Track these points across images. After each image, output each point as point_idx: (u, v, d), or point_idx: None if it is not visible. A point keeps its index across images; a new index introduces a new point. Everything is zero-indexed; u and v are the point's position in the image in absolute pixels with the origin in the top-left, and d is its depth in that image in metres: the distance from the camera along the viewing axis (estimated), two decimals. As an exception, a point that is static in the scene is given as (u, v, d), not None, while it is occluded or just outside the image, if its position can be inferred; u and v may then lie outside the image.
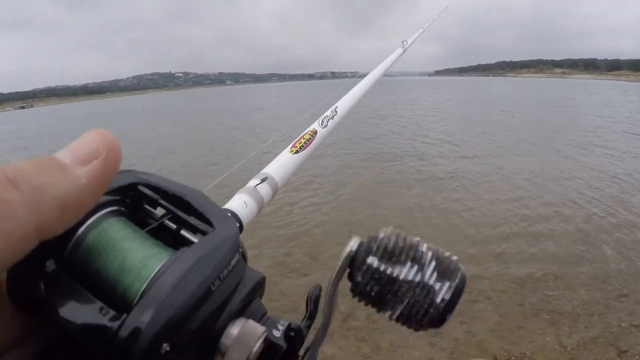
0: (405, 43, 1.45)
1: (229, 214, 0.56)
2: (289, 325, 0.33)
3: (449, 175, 7.94)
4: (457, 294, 0.28)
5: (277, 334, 0.32)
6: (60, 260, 0.27)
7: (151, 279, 0.25)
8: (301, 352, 0.33)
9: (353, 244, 0.31)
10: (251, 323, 0.30)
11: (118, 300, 0.26)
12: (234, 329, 0.29)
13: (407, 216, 5.93)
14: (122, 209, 0.31)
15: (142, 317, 0.24)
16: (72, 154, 0.24)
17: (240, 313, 0.31)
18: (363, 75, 1.05)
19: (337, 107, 0.84)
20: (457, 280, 0.28)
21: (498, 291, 3.98)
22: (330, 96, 0.97)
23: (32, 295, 0.25)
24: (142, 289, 0.25)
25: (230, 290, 0.29)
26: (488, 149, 10.45)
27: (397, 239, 0.29)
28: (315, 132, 0.73)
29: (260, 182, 0.63)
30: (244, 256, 0.33)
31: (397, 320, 0.30)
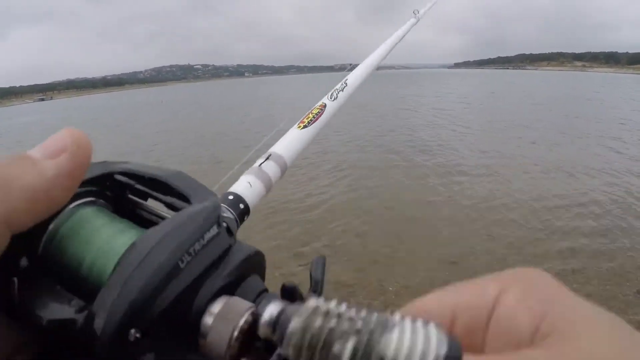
0: (417, 13, 1.35)
1: (231, 197, 0.54)
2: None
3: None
4: None
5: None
6: (34, 257, 0.27)
7: (117, 263, 0.25)
8: None
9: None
10: (235, 299, 0.28)
11: (91, 289, 0.25)
12: (216, 307, 0.27)
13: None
14: (100, 200, 0.31)
15: (104, 305, 0.23)
16: (42, 150, 0.24)
17: (227, 290, 0.28)
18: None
19: (347, 79, 0.82)
20: None
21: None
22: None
23: (7, 293, 0.25)
24: (109, 273, 0.24)
25: (206, 266, 0.27)
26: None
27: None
28: (324, 106, 0.71)
29: (265, 160, 0.61)
30: (229, 230, 0.31)
31: None
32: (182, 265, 0.25)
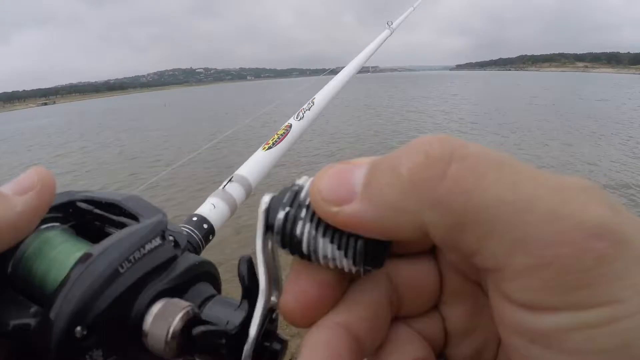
0: (390, 24, 1.29)
1: (195, 218, 0.58)
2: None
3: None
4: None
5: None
6: (4, 276, 0.30)
7: (68, 272, 0.27)
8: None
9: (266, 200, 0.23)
10: (175, 300, 0.30)
11: (49, 298, 0.27)
12: (155, 307, 0.29)
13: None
14: (63, 225, 0.34)
15: (53, 307, 0.26)
16: (13, 187, 0.27)
17: (172, 295, 0.31)
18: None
19: (314, 98, 0.79)
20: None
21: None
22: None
23: None
24: (60, 281, 0.27)
25: (146, 271, 0.30)
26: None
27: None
28: (289, 126, 0.69)
29: (228, 182, 0.61)
30: (176, 242, 0.34)
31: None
32: (122, 270, 0.28)
